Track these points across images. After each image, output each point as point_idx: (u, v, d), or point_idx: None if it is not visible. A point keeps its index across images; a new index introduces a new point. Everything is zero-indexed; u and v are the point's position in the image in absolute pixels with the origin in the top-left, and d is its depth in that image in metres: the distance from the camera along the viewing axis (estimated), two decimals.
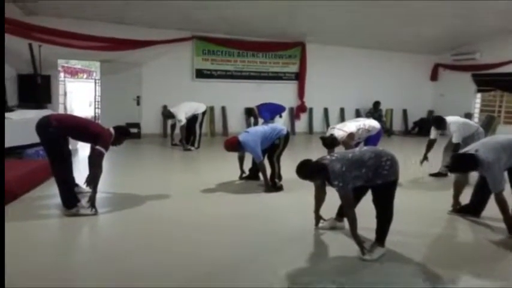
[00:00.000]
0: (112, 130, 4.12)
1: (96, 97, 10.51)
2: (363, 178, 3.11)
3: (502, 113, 10.97)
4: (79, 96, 12.91)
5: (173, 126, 8.14)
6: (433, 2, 7.77)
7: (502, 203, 3.55)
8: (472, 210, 4.14)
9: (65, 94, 11.22)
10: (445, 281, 2.84)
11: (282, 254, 3.19)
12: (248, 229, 3.74)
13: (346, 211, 3.15)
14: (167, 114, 8.03)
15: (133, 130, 9.06)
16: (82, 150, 5.65)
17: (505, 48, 10.41)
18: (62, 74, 11.35)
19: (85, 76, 14.77)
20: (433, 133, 5.88)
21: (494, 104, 11.19)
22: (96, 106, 10.53)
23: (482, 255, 3.34)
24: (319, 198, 3.57)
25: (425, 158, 5.85)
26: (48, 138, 3.88)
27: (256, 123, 8.85)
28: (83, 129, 4.06)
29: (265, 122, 8.32)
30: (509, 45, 10.36)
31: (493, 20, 9.29)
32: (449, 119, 5.71)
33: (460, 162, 3.65)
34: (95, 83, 10.92)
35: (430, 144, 5.89)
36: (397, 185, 3.20)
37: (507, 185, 3.71)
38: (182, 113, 7.62)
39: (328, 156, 3.27)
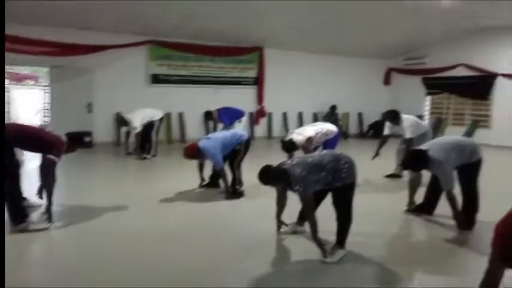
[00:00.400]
0: (64, 137, 3.91)
1: (44, 105, 9.94)
2: (322, 182, 3.13)
3: (450, 115, 11.55)
4: (25, 103, 12.17)
5: (128, 134, 7.77)
6: (385, 8, 8.05)
7: (452, 201, 3.70)
8: (425, 208, 4.29)
9: (9, 102, 10.52)
10: (403, 280, 2.91)
11: (245, 261, 3.13)
12: (210, 238, 3.64)
13: (307, 215, 3.16)
14: (121, 121, 7.66)
15: (85, 139, 8.66)
16: (29, 161, 5.30)
17: (452, 52, 11.02)
18: (6, 81, 10.64)
19: (32, 83, 13.94)
20: (387, 129, 6.02)
21: (442, 107, 11.77)
22: (44, 114, 9.95)
23: (436, 252, 3.45)
24: (281, 204, 3.54)
25: (377, 154, 5.99)
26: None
27: (215, 128, 8.73)
28: (32, 138, 3.79)
29: (225, 126, 8.21)
30: (455, 50, 10.97)
31: (441, 26, 9.79)
32: (403, 116, 5.88)
33: (413, 159, 3.78)
34: (44, 90, 10.34)
35: (384, 141, 6.04)
36: (355, 186, 3.25)
37: (456, 183, 3.86)
38: (138, 120, 7.32)
39: (288, 161, 3.28)
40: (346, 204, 3.21)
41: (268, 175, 3.15)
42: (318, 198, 3.40)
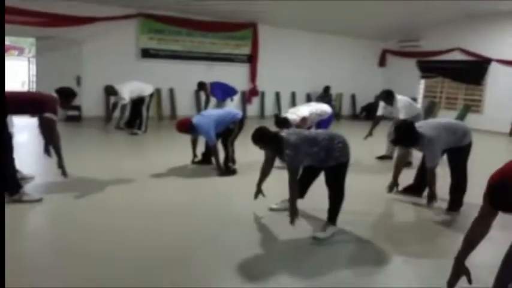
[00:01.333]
0: (55, 94, 3.88)
1: (31, 76, 9.66)
2: (314, 157, 3.15)
3: (443, 99, 11.56)
4: (10, 75, 11.84)
5: (114, 106, 7.51)
6: None
7: (432, 178, 3.79)
8: (415, 189, 4.36)
9: None
10: (389, 258, 2.95)
11: (237, 238, 3.12)
12: (201, 214, 3.61)
13: (290, 187, 3.15)
14: (110, 91, 7.35)
15: (74, 113, 8.47)
16: (18, 134, 5.17)
17: (448, 36, 10.93)
18: None
19: (16, 53, 13.52)
20: (381, 110, 5.96)
21: (436, 90, 11.76)
22: (31, 86, 9.68)
23: (423, 232, 3.58)
24: (265, 171, 3.50)
25: (370, 134, 5.98)
26: None
27: (207, 101, 8.60)
28: (24, 101, 3.75)
29: (217, 102, 8.08)
30: (451, 34, 10.88)
31: (436, 10, 9.66)
32: (397, 96, 5.81)
33: (402, 131, 3.73)
34: (29, 61, 10.05)
35: (377, 121, 5.99)
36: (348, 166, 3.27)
37: (446, 165, 3.95)
38: (127, 92, 7.14)
39: (285, 130, 3.33)
40: (339, 183, 3.26)
41: (262, 135, 3.16)
42: (311, 177, 3.49)
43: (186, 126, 4.76)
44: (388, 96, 5.79)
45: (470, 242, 1.94)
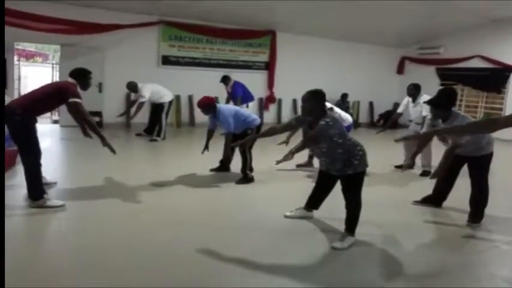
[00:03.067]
0: (70, 79, 3.90)
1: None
2: (333, 151, 3.13)
3: (463, 107, 11.37)
4: (34, 81, 12.19)
5: (133, 102, 7.62)
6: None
7: (441, 139, 3.87)
8: (433, 200, 4.30)
9: (19, 79, 10.54)
10: (406, 268, 2.91)
11: (253, 245, 3.13)
12: (217, 222, 3.64)
13: (307, 141, 3.19)
14: (131, 86, 7.48)
15: (95, 119, 8.65)
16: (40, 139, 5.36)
17: (467, 43, 10.77)
18: (15, 57, 10.65)
19: (40, 60, 13.92)
20: (402, 107, 6.02)
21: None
22: None
23: (442, 243, 3.53)
24: (275, 131, 3.58)
25: (383, 130, 6.04)
26: (16, 127, 3.58)
27: (228, 101, 8.57)
28: (46, 95, 3.78)
29: (236, 102, 7.99)
30: (471, 41, 10.72)
31: (457, 17, 9.55)
32: (424, 94, 5.77)
33: (445, 94, 3.70)
34: (52, 67, 10.33)
35: (396, 118, 6.09)
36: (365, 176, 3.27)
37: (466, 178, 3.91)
38: (148, 91, 7.33)
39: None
40: (355, 192, 3.24)
41: (318, 95, 3.13)
42: (326, 189, 3.52)
43: (209, 103, 4.78)
44: (415, 89, 5.76)
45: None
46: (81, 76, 3.96)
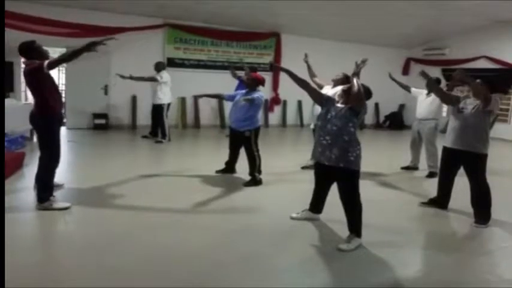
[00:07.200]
0: (24, 60, 3.75)
1: (60, 85, 10.02)
2: (340, 142, 3.18)
3: None
4: None
5: (148, 78, 7.63)
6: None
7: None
8: (438, 202, 4.29)
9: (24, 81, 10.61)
10: (412, 270, 2.90)
11: (260, 246, 3.13)
12: (226, 223, 3.64)
13: (358, 90, 3.64)
14: (160, 66, 7.80)
15: (101, 121, 8.73)
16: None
17: (473, 45, 10.71)
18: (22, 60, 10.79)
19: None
20: (416, 90, 6.67)
21: None
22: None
23: (447, 244, 3.48)
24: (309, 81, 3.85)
25: (393, 79, 6.92)
26: (45, 127, 3.64)
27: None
28: (35, 91, 3.66)
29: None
30: (476, 42, 10.66)
31: (462, 18, 9.50)
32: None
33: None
34: (59, 70, 10.41)
35: (404, 86, 6.85)
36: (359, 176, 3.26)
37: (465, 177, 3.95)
38: (168, 77, 7.65)
39: None
40: (352, 193, 3.22)
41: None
42: (323, 189, 3.53)
43: (263, 81, 5.07)
44: (436, 80, 5.75)
45: None
46: (30, 50, 3.67)
